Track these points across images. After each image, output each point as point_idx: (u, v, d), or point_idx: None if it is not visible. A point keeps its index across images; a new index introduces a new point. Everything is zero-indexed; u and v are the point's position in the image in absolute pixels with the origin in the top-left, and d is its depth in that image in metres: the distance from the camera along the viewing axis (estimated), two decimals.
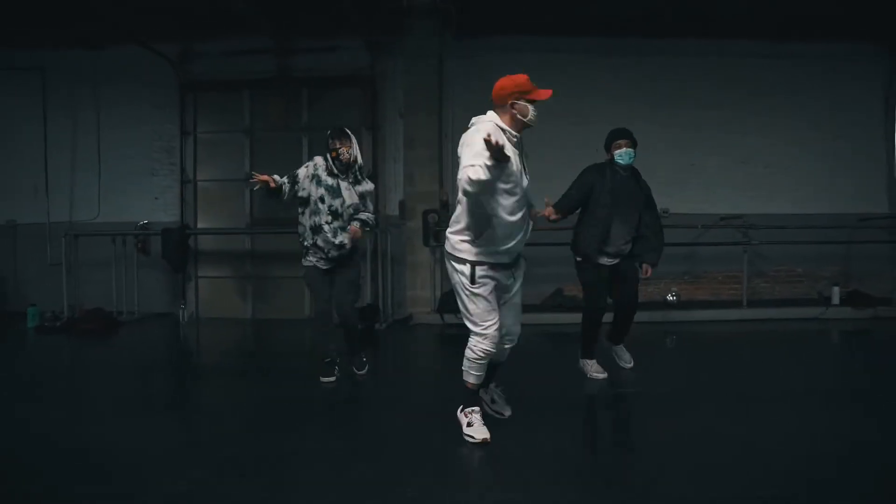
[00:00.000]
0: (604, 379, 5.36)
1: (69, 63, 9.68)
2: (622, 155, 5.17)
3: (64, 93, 9.72)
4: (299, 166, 9.62)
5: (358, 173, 5.18)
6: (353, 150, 5.08)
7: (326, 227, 5.04)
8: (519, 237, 3.69)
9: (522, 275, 3.90)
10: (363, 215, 5.20)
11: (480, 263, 3.62)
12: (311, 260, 5.22)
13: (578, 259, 5.34)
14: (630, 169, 5.26)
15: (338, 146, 5.03)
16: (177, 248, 9.09)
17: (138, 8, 8.61)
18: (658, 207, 5.67)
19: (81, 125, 9.81)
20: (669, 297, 9.14)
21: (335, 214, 5.05)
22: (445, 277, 9.06)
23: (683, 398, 4.83)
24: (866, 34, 9.46)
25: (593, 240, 5.19)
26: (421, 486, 3.23)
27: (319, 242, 5.08)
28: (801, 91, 9.58)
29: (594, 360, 5.46)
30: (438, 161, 8.88)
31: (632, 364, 5.62)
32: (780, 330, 8.24)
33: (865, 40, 9.55)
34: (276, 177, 5.02)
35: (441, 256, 9.05)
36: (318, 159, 5.18)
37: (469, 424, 3.76)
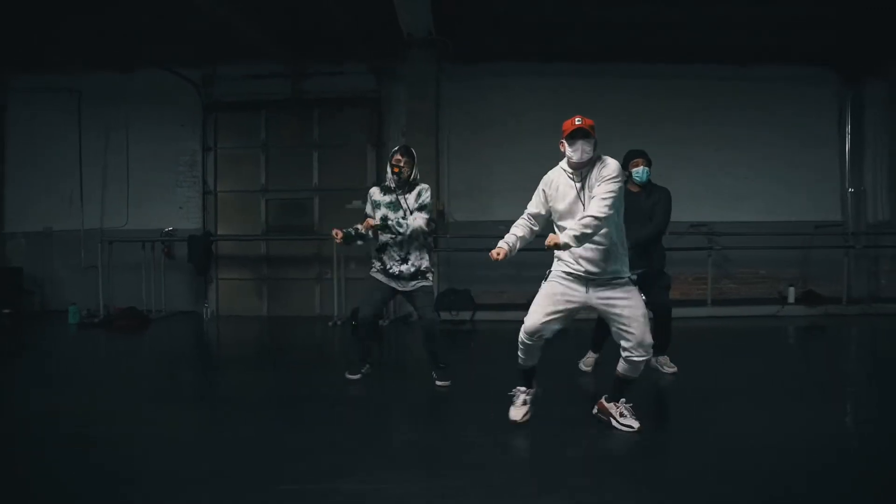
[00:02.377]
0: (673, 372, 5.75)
1: (102, 86, 10.74)
2: (639, 172, 5.56)
3: (97, 112, 10.76)
4: (309, 178, 10.68)
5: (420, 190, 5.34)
6: (412, 169, 5.29)
7: (391, 242, 5.26)
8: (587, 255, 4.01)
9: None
10: (420, 217, 5.23)
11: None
12: (375, 270, 5.40)
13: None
14: (646, 185, 5.62)
15: (401, 163, 5.24)
16: (202, 253, 10.11)
17: (165, 38, 9.64)
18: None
19: (112, 141, 10.84)
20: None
21: (395, 231, 5.20)
22: (443, 278, 10.12)
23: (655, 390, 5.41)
24: (822, 60, 10.48)
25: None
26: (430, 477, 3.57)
27: (385, 259, 5.31)
28: (763, 110, 10.56)
29: (596, 355, 5.91)
30: (436, 176, 9.84)
31: (674, 370, 5.82)
32: (740, 326, 9.15)
33: (821, 65, 10.56)
34: (353, 230, 5.30)
35: (438, 260, 10.10)
36: (373, 189, 5.45)
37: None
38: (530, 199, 4.26)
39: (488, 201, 10.08)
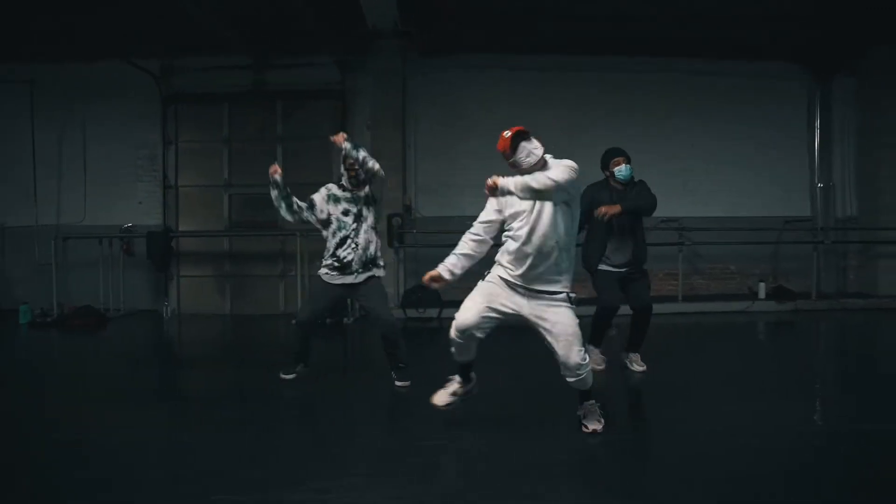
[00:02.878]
0: (601, 370, 5.56)
1: (57, 76, 10.32)
2: (622, 170, 5.49)
3: (52, 104, 10.33)
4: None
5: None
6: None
7: (353, 235, 5.18)
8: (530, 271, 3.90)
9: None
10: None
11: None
12: (329, 274, 5.26)
13: (591, 273, 5.64)
14: (628, 183, 5.55)
15: (355, 166, 5.12)
16: (161, 250, 9.81)
17: (123, 28, 9.29)
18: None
19: (68, 134, 10.43)
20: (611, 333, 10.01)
21: (357, 218, 5.19)
22: (409, 274, 9.93)
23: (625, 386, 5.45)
24: (792, 56, 10.46)
25: (595, 254, 5.53)
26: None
27: (342, 253, 5.16)
28: (734, 106, 10.51)
29: (598, 350, 5.74)
30: (402, 170, 9.66)
31: (644, 368, 5.72)
32: (711, 322, 9.07)
33: (792, 61, 10.54)
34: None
35: (405, 257, 9.91)
36: (331, 185, 5.34)
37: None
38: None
39: (457, 196, 9.86)
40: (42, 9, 8.83)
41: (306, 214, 5.27)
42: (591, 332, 5.68)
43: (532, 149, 3.85)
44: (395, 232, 9.40)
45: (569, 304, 3.90)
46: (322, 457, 3.68)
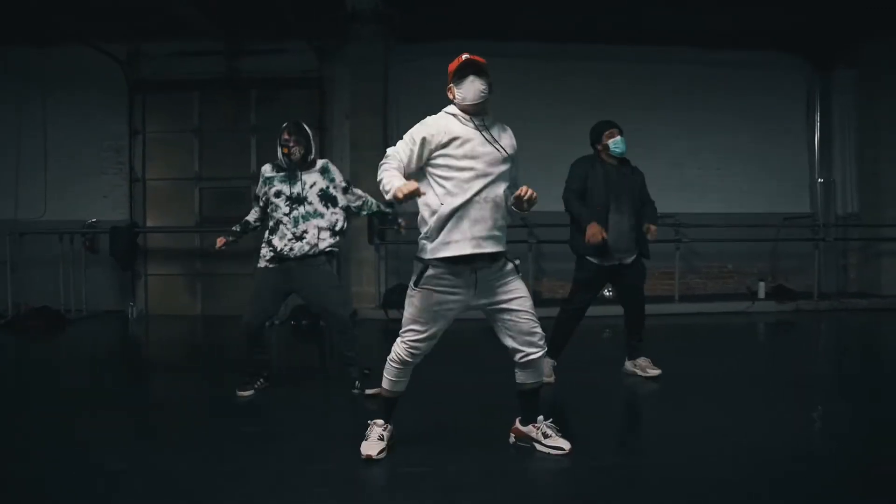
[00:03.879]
0: (552, 383, 4.91)
1: (15, 61, 9.66)
2: (617, 143, 4.93)
3: (9, 90, 9.68)
4: (247, 165, 9.84)
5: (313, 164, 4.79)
6: (306, 148, 4.67)
7: (285, 219, 4.59)
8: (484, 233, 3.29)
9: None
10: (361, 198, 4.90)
11: None
12: (263, 261, 4.71)
13: (578, 256, 5.06)
14: (623, 159, 5.03)
15: (290, 142, 4.63)
16: (125, 246, 9.19)
17: (86, 11, 8.66)
18: None
19: (27, 123, 9.77)
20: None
21: (296, 200, 4.60)
22: (390, 273, 9.40)
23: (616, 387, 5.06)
24: (791, 46, 10.05)
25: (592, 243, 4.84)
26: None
27: (275, 241, 4.62)
28: (731, 97, 10.11)
29: (554, 361, 5.03)
30: None
31: (659, 371, 5.17)
32: (710, 323, 8.62)
33: (790, 52, 10.14)
34: (235, 228, 4.90)
35: (386, 254, 9.37)
36: (265, 166, 4.82)
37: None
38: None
39: None
40: None
41: (257, 222, 4.90)
42: (552, 342, 4.82)
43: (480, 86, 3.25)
44: (375, 228, 8.85)
45: (517, 270, 3.39)
46: (285, 485, 3.12)
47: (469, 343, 6.13)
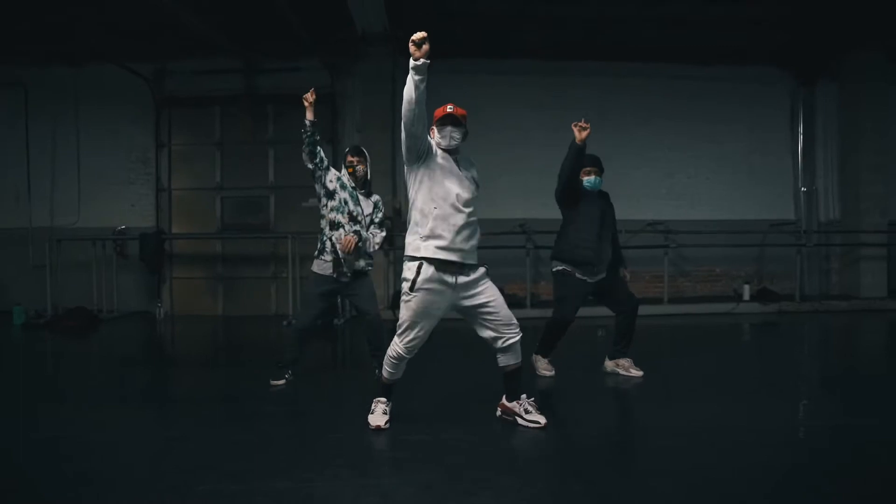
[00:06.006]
0: (551, 376, 5.53)
1: (50, 80, 10.45)
2: (591, 181, 5.38)
3: (45, 107, 10.48)
4: (265, 175, 10.51)
5: (369, 187, 5.44)
6: (366, 167, 5.32)
7: (344, 230, 5.15)
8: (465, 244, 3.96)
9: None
10: (380, 235, 5.33)
11: None
12: (322, 263, 5.23)
13: (559, 269, 5.40)
14: (597, 193, 5.44)
15: (354, 162, 5.24)
16: (154, 251, 9.93)
17: (115, 31, 9.41)
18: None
19: (62, 138, 10.55)
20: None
21: (353, 219, 5.18)
22: (398, 278, 10.03)
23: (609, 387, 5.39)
24: (776, 60, 10.65)
25: (581, 247, 5.27)
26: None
27: (335, 240, 5.15)
28: (720, 110, 10.72)
29: (547, 360, 5.62)
30: (391, 173, 9.80)
31: (641, 373, 5.56)
32: (696, 324, 9.14)
33: (775, 65, 10.73)
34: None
35: (395, 259, 10.03)
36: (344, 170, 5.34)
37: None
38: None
39: None
40: (35, 11, 8.94)
41: (320, 172, 5.21)
42: (543, 345, 5.60)
43: (455, 135, 3.98)
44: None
45: (486, 273, 4.03)
46: (306, 450, 3.78)
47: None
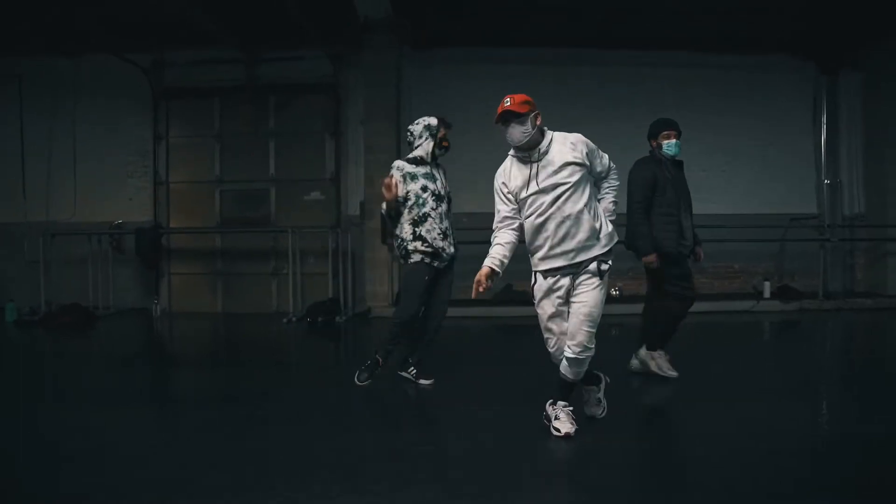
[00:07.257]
0: (675, 377, 5.10)
1: (46, 71, 10.16)
2: (671, 146, 5.02)
3: (41, 99, 10.18)
4: (266, 168, 10.21)
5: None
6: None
7: (433, 214, 4.77)
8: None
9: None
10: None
11: None
12: (420, 255, 4.78)
13: (647, 258, 5.02)
14: (674, 160, 5.09)
15: (446, 135, 4.90)
16: (150, 246, 9.62)
17: (112, 21, 9.09)
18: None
19: (58, 130, 10.25)
20: (613, 292, 9.78)
21: (439, 198, 4.83)
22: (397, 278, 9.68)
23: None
24: (797, 49, 10.20)
25: (672, 235, 4.98)
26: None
27: (424, 233, 4.74)
28: (737, 100, 10.26)
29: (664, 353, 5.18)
30: None
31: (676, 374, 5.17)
32: (715, 322, 8.68)
33: (796, 54, 10.28)
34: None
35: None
36: (398, 161, 4.93)
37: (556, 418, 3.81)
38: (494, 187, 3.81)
39: (453, 191, 9.60)
40: (31, 2, 8.64)
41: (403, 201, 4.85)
42: (659, 337, 5.17)
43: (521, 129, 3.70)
44: (389, 229, 9.15)
45: (601, 275, 3.67)
46: (296, 461, 3.44)
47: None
